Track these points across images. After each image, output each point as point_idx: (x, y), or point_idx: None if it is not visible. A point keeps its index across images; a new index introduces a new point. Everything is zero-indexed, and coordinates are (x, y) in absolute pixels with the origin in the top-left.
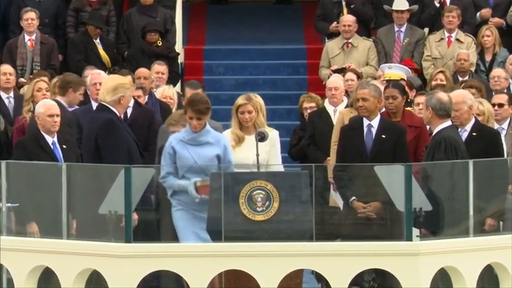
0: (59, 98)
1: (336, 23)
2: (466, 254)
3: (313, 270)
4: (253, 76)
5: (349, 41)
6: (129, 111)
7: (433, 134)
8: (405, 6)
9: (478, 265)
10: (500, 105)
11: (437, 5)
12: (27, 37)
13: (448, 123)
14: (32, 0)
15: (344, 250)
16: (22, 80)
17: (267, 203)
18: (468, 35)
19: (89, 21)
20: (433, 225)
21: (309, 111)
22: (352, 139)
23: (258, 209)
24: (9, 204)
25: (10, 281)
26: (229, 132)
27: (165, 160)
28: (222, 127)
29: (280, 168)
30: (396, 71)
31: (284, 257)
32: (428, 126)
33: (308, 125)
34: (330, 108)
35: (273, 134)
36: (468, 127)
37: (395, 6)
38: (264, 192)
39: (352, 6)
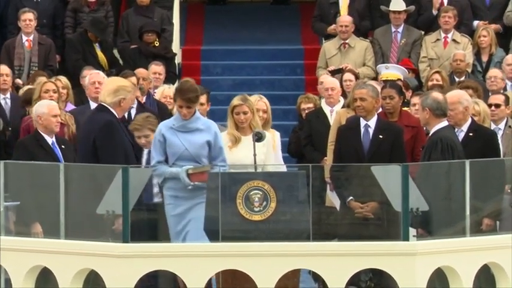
0: None
1: (334, 25)
2: (463, 254)
3: (310, 270)
4: (251, 76)
5: (346, 41)
6: (133, 111)
7: (430, 134)
8: (402, 6)
9: (474, 265)
10: (497, 106)
11: (435, 12)
12: (24, 38)
13: (445, 123)
14: (30, 1)
15: (341, 250)
16: (18, 81)
17: (264, 203)
18: (464, 36)
19: (91, 30)
20: (430, 225)
21: (306, 111)
22: (349, 139)
23: (255, 209)
24: (7, 204)
25: (8, 281)
26: (225, 134)
27: (155, 148)
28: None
29: (279, 168)
30: (393, 71)
31: (281, 257)
32: (424, 127)
33: (305, 125)
34: (326, 109)
35: (270, 136)
36: (465, 127)
37: (392, 7)
38: (261, 192)
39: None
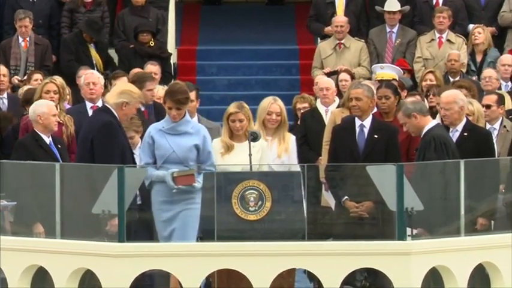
0: None
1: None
2: (458, 253)
3: (305, 270)
4: (246, 76)
5: (342, 41)
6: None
7: (423, 135)
8: (397, 7)
9: (469, 264)
10: (488, 107)
11: None
12: (21, 38)
13: (434, 121)
14: (26, 1)
15: (336, 249)
16: (17, 78)
17: (260, 202)
18: (459, 36)
19: (85, 30)
20: (424, 224)
21: (302, 111)
22: (344, 139)
23: (250, 208)
24: (3, 204)
25: (3, 281)
26: (218, 140)
27: (144, 150)
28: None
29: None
30: (388, 71)
31: (276, 257)
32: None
33: (300, 125)
34: (322, 109)
35: (264, 144)
36: (459, 127)
37: (387, 7)
38: (256, 192)
39: None
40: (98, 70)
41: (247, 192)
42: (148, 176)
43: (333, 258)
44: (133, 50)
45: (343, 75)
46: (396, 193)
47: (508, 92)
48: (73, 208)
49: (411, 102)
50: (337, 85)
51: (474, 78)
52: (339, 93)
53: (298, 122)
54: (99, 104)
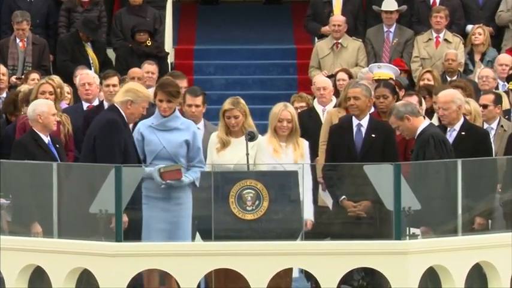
0: None
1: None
2: (455, 252)
3: (302, 269)
4: (243, 76)
5: (339, 41)
6: None
7: (417, 135)
8: (394, 6)
9: (466, 264)
10: (485, 106)
11: None
12: (18, 38)
13: (427, 121)
14: (23, 1)
15: (333, 249)
16: (15, 77)
17: (257, 202)
18: (456, 35)
19: (82, 30)
20: (422, 224)
21: (299, 110)
22: (341, 138)
23: (247, 208)
24: (3, 201)
25: (1, 280)
26: (214, 135)
27: None
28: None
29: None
30: (385, 70)
31: (274, 256)
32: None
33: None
34: (319, 108)
35: (261, 139)
36: (457, 127)
37: (384, 7)
38: (253, 192)
39: None
40: (94, 70)
41: (244, 192)
42: None
43: (330, 258)
44: (131, 50)
45: (341, 75)
46: (393, 192)
47: (505, 92)
48: (70, 207)
49: (402, 104)
50: (334, 85)
51: (471, 76)
52: (337, 93)
53: None
54: (96, 103)
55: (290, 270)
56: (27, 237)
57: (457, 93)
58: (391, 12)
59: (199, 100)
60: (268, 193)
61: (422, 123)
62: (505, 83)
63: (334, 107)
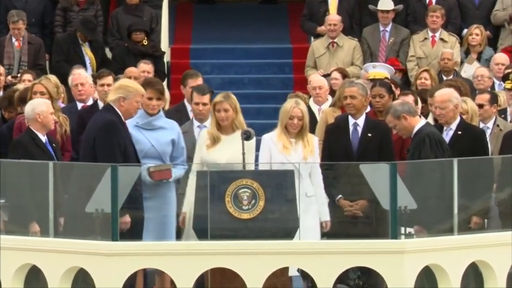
0: None
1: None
2: (451, 252)
3: (299, 268)
4: (239, 75)
5: (335, 40)
6: None
7: (414, 134)
8: (390, 6)
9: (462, 263)
10: (481, 106)
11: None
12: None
13: (423, 121)
14: (19, 0)
15: (329, 248)
16: (11, 76)
17: (253, 201)
18: (452, 35)
19: (80, 29)
20: (418, 223)
21: None
22: (338, 138)
23: (243, 207)
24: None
25: None
26: (204, 131)
27: None
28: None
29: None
30: (380, 70)
31: (270, 255)
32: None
33: None
34: (314, 107)
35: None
36: (453, 126)
37: (380, 6)
38: (249, 191)
39: None
40: (92, 69)
41: (240, 191)
42: None
43: (327, 257)
44: (127, 49)
45: (334, 74)
46: (390, 192)
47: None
48: (67, 207)
49: (399, 103)
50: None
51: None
52: (332, 92)
53: None
54: (90, 103)
55: (286, 269)
56: (23, 236)
57: (454, 92)
58: (387, 11)
59: (206, 98)
60: (264, 192)
61: (419, 122)
62: (501, 82)
63: (330, 106)
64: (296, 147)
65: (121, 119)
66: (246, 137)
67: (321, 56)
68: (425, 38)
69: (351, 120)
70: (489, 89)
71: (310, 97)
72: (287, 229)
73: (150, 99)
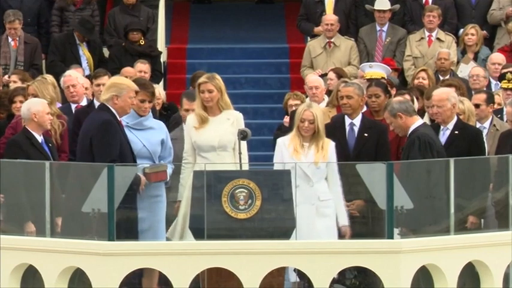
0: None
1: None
2: (447, 251)
3: (295, 268)
4: (236, 75)
5: (331, 40)
6: None
7: (409, 134)
8: (387, 5)
9: (459, 263)
10: (477, 106)
11: None
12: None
13: (420, 121)
14: (14, 0)
15: (326, 248)
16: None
17: (250, 201)
18: (448, 34)
19: (78, 30)
20: (414, 223)
21: (294, 108)
22: (334, 137)
23: (240, 207)
24: None
25: None
26: (192, 115)
27: None
28: None
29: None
30: (377, 69)
31: (266, 255)
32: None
33: (290, 123)
34: None
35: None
36: (450, 125)
37: (377, 6)
38: (246, 191)
39: None
40: (89, 69)
41: (237, 191)
42: None
43: (323, 257)
44: (124, 48)
45: (330, 74)
46: (386, 191)
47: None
48: (63, 206)
49: (397, 101)
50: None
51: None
52: (329, 92)
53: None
54: (84, 103)
55: (283, 269)
56: (19, 236)
57: (451, 91)
58: (383, 11)
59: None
60: (260, 192)
61: (415, 122)
62: (498, 82)
63: (326, 106)
64: (308, 151)
65: (116, 118)
66: (243, 136)
67: (317, 56)
68: (422, 38)
69: (347, 120)
70: (485, 89)
71: (307, 97)
72: (284, 229)
73: (142, 101)
